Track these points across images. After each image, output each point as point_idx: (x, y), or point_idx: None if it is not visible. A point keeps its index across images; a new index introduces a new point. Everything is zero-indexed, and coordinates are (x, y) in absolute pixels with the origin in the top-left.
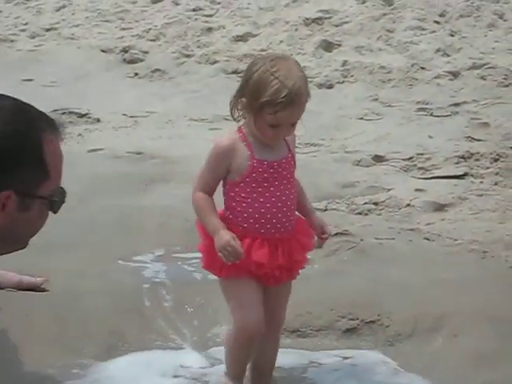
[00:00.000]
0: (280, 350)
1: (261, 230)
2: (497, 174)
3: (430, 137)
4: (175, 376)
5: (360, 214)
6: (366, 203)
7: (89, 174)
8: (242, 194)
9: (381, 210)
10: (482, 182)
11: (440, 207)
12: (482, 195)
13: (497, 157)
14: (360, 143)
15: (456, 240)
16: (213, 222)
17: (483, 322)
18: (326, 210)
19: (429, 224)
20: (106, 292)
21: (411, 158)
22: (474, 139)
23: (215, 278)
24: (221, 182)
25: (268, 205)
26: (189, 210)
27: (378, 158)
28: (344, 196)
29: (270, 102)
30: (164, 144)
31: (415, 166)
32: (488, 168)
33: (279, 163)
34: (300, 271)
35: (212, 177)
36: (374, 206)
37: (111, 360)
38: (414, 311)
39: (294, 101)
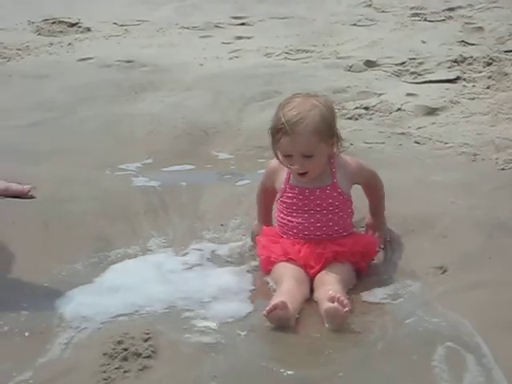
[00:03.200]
0: None
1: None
2: (489, 77)
3: (423, 42)
4: (162, 279)
5: (350, 118)
6: (356, 108)
7: (78, 83)
8: (279, 210)
9: (371, 114)
10: (474, 86)
11: (431, 111)
12: (473, 99)
13: (490, 61)
14: (352, 49)
15: (446, 143)
16: (258, 212)
17: (472, 224)
18: None
19: (419, 128)
20: (94, 199)
21: (403, 62)
22: (468, 43)
23: (204, 184)
24: None
25: (300, 227)
26: (177, 117)
27: (370, 64)
28: (335, 101)
29: (272, 129)
30: (154, 52)
31: (407, 70)
32: (481, 72)
33: (312, 191)
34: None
35: (263, 183)
36: (364, 111)
37: (98, 265)
38: (403, 213)
39: (292, 130)
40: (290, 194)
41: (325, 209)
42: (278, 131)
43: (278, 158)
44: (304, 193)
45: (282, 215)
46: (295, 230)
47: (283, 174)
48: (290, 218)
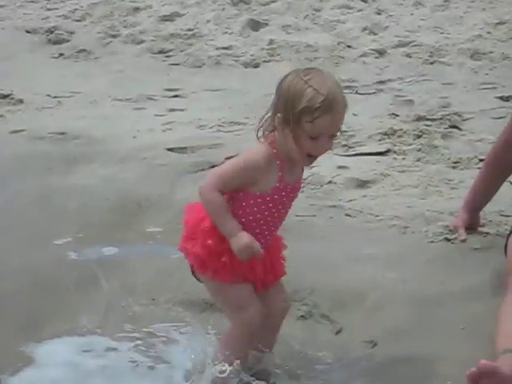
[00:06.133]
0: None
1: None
2: (419, 150)
3: (355, 114)
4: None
5: None
6: None
7: (10, 155)
8: (255, 208)
9: (303, 187)
10: (404, 159)
11: (362, 184)
12: (404, 171)
13: (420, 133)
14: None
15: (377, 216)
16: (231, 223)
17: (402, 297)
18: None
19: (350, 201)
20: (24, 273)
21: None
22: (398, 116)
23: (135, 258)
24: None
25: (271, 223)
26: (110, 189)
27: None
28: None
29: (307, 109)
30: (87, 124)
31: (339, 143)
32: (411, 144)
33: (296, 186)
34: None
35: (235, 183)
36: None
37: (28, 340)
38: (335, 287)
39: (332, 106)
40: (283, 193)
41: (292, 202)
42: (315, 110)
43: (297, 145)
44: (294, 189)
45: (257, 215)
46: (264, 227)
47: (274, 170)
48: (269, 218)
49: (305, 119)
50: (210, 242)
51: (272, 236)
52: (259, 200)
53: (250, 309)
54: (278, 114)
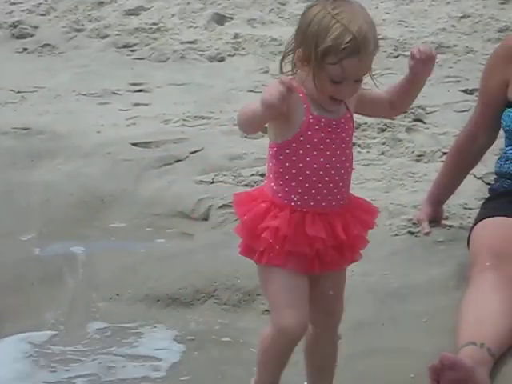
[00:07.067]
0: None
1: (310, 203)
2: (383, 143)
3: None
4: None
5: (247, 185)
6: (252, 175)
7: None
8: (293, 158)
9: None
10: (368, 152)
11: None
12: (368, 165)
13: (384, 127)
14: None
15: None
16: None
17: (365, 291)
18: (212, 182)
19: None
20: None
21: None
22: None
23: (99, 253)
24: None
25: (321, 172)
26: (74, 185)
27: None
28: (231, 168)
29: (332, 49)
30: (51, 119)
31: None
32: (375, 138)
33: (338, 123)
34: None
35: (278, 109)
36: (261, 178)
37: None
38: None
39: (360, 47)
40: (317, 127)
41: (346, 147)
42: (341, 51)
43: (317, 86)
44: (332, 125)
45: (299, 165)
46: (314, 178)
47: (297, 102)
48: (314, 164)
49: (328, 60)
50: (245, 217)
51: (339, 195)
52: (294, 144)
53: (293, 310)
54: (299, 49)
